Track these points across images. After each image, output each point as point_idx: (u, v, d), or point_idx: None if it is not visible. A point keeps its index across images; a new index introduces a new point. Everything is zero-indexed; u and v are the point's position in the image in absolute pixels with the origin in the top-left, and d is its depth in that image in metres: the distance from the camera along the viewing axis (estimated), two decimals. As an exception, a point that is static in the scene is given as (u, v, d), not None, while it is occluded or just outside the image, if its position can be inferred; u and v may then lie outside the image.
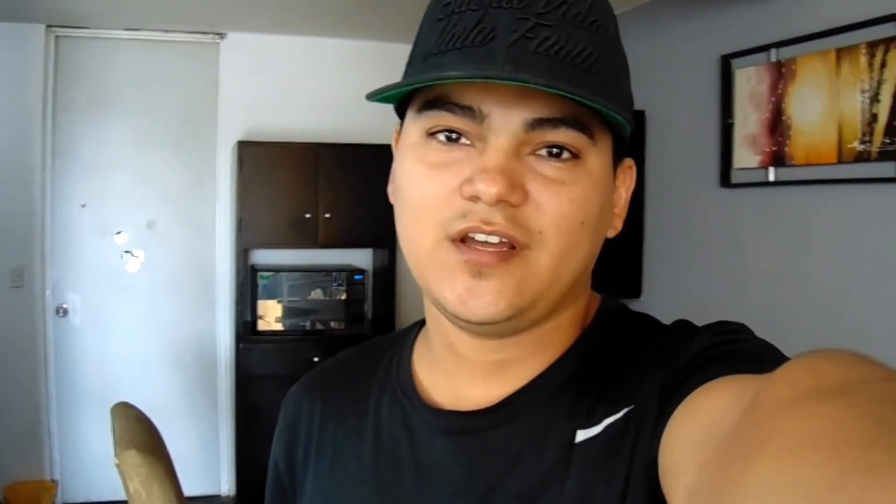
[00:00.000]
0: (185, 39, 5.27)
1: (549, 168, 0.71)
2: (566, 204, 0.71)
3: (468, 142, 0.72)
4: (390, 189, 0.83)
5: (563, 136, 0.70)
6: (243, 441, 5.07)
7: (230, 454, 5.35)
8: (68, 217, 5.13)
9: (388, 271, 5.44)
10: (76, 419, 5.14)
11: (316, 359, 5.02)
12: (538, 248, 0.71)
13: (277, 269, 5.22)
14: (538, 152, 0.71)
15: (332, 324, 5.24)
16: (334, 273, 5.27)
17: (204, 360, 5.41)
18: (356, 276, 5.28)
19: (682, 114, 4.22)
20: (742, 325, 0.75)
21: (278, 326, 5.13)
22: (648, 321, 0.84)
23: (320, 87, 5.49)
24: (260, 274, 5.13)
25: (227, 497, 5.39)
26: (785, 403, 0.46)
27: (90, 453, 5.10)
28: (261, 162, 5.09)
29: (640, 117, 4.40)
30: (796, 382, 0.48)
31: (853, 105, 3.18)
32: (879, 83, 3.06)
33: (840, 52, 3.23)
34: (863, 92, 3.13)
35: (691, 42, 4.14)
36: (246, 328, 5.16)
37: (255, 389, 4.99)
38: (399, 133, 0.82)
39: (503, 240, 0.70)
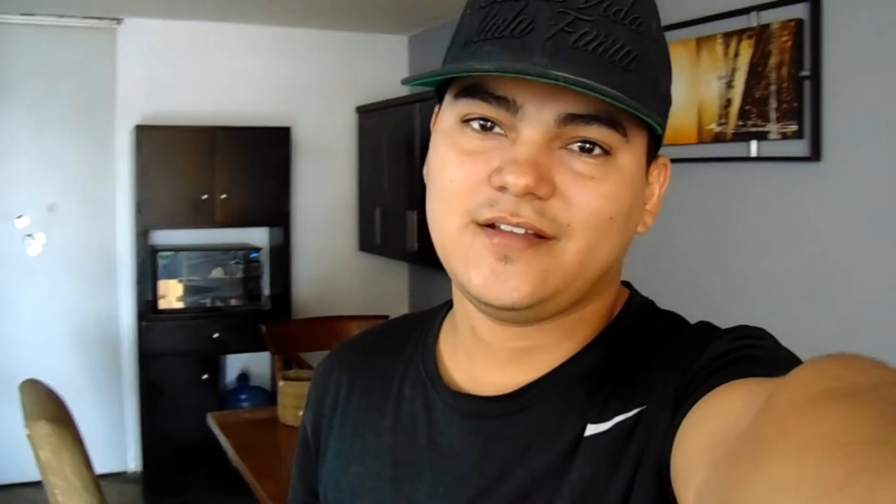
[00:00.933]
0: (82, 24, 5.27)
1: (580, 163, 0.71)
2: (595, 199, 0.71)
3: (501, 131, 0.73)
4: (425, 171, 0.83)
5: (596, 132, 0.71)
6: (148, 418, 5.18)
7: (136, 431, 5.42)
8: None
9: (283, 249, 5.60)
10: (-21, 401, 5.17)
11: (216, 335, 5.20)
12: (565, 241, 0.72)
13: (177, 249, 5.34)
14: (570, 147, 0.72)
15: (232, 301, 5.40)
16: (231, 252, 5.42)
17: (107, 340, 5.47)
18: (252, 255, 5.45)
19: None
20: (762, 331, 0.74)
21: (179, 305, 5.27)
22: (673, 320, 0.84)
23: (216, 71, 5.58)
24: (160, 254, 5.25)
25: (134, 473, 5.47)
26: (796, 404, 0.47)
27: (-6, 437, 5.17)
28: (159, 145, 5.18)
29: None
30: (809, 384, 0.48)
31: (711, 90, 3.41)
32: (733, 71, 3.30)
33: (699, 42, 3.46)
34: (719, 78, 3.36)
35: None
36: (147, 307, 5.26)
37: (158, 366, 5.14)
38: (437, 115, 0.82)
39: (529, 231, 0.71)
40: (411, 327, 0.97)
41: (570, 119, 0.70)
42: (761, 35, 3.19)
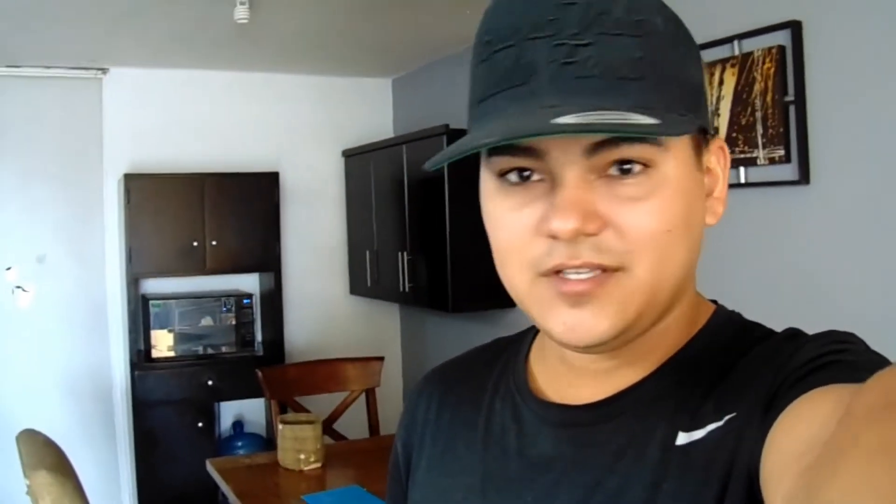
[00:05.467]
0: (67, 75, 5.32)
1: (622, 187, 0.71)
2: (646, 220, 0.70)
3: (540, 177, 0.72)
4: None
5: (627, 151, 0.70)
6: (144, 465, 5.13)
7: (131, 481, 5.39)
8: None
9: (274, 294, 5.59)
10: (-29, 455, 5.13)
11: (210, 382, 5.18)
12: (631, 268, 0.71)
13: (168, 297, 5.34)
14: (609, 173, 0.71)
15: (224, 348, 5.38)
16: (223, 298, 5.41)
17: (100, 390, 5.45)
18: (244, 301, 5.44)
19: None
20: (852, 335, 0.73)
21: (171, 353, 5.25)
22: (761, 329, 0.82)
23: (202, 118, 5.62)
24: (151, 302, 5.24)
25: (129, 523, 5.44)
26: (874, 410, 0.46)
27: (-13, 489, 5.12)
28: (147, 193, 5.20)
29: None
30: (889, 390, 0.47)
31: None
32: (718, 99, 3.34)
33: None
34: None
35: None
36: (140, 356, 5.24)
37: (153, 415, 5.10)
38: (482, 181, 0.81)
39: (593, 270, 0.71)
40: (502, 347, 0.98)
41: (598, 147, 0.69)
42: (744, 63, 3.24)
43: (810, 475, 0.49)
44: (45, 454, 2.78)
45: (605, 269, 0.71)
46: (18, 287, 5.27)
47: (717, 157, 0.81)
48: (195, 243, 5.26)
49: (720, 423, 0.72)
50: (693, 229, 0.76)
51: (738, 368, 0.76)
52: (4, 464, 4.92)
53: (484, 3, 0.75)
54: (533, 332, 0.94)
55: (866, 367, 0.62)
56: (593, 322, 0.72)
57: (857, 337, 0.73)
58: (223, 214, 5.36)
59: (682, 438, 0.74)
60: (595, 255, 0.70)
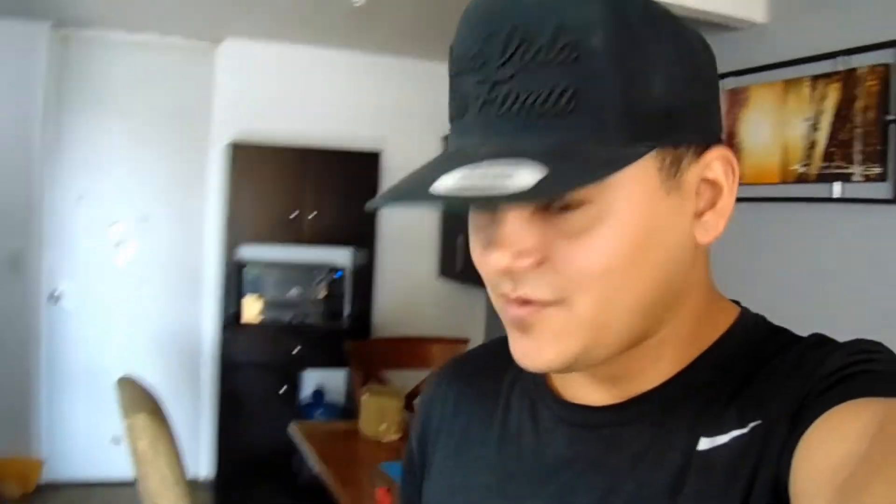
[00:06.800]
0: (182, 44, 5.48)
1: (562, 222, 0.67)
2: (584, 256, 0.67)
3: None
4: None
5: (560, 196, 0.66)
6: (225, 426, 5.30)
7: (210, 439, 5.53)
8: (65, 208, 5.33)
9: (366, 270, 5.68)
10: (64, 401, 5.34)
11: (295, 350, 5.29)
12: (571, 303, 0.68)
13: (262, 264, 5.49)
14: (552, 206, 0.67)
15: (311, 318, 5.51)
16: (314, 269, 5.54)
17: (187, 349, 5.62)
18: (336, 274, 5.55)
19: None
20: (879, 344, 0.70)
21: (260, 319, 5.39)
22: (786, 335, 0.78)
23: (310, 93, 5.72)
24: (245, 268, 5.40)
25: (205, 481, 5.55)
26: None
27: (76, 434, 5.33)
28: (251, 162, 5.33)
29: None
30: None
31: (796, 132, 3.44)
32: (819, 113, 3.32)
33: (787, 84, 3.50)
34: (805, 120, 3.39)
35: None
36: (230, 319, 5.40)
37: (238, 377, 5.25)
38: None
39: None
40: None
41: None
42: (848, 79, 3.22)
43: (844, 492, 0.50)
44: (144, 399, 2.90)
45: (546, 303, 0.68)
46: (120, 243, 5.46)
47: (722, 167, 0.73)
48: (294, 214, 5.38)
49: (744, 431, 0.69)
50: (653, 259, 0.70)
51: (762, 375, 0.73)
52: (96, 409, 5.14)
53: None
54: None
55: (890, 378, 0.63)
56: (538, 350, 0.70)
57: (885, 346, 0.70)
58: (323, 189, 5.46)
59: (704, 444, 0.71)
60: (532, 290, 0.68)
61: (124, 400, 2.87)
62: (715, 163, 0.72)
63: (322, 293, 5.52)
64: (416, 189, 0.65)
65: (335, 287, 5.56)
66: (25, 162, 5.10)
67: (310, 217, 5.40)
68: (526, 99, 0.64)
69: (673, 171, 0.69)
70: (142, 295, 5.53)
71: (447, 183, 0.63)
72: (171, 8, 4.80)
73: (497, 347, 0.95)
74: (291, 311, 5.48)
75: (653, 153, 0.67)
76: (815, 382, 0.66)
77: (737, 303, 0.83)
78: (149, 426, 2.68)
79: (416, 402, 0.89)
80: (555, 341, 0.69)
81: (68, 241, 5.38)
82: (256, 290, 5.43)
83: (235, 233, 5.39)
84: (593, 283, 0.67)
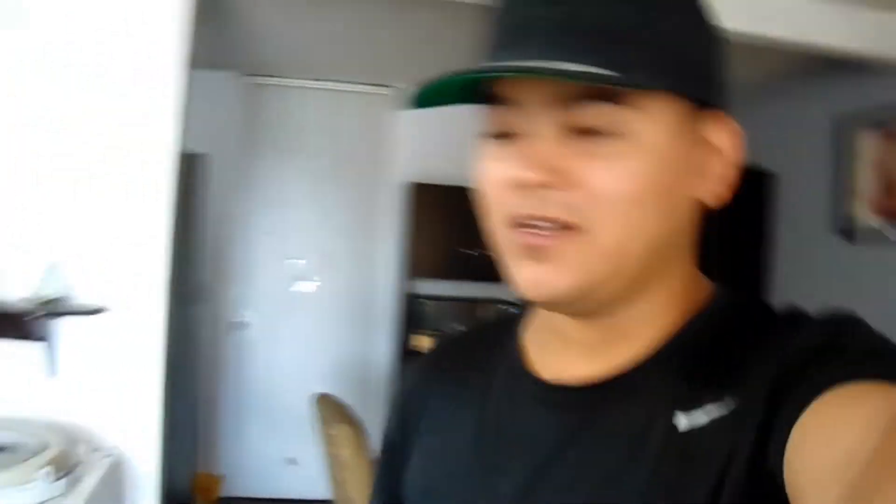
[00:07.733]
0: (360, 90, 5.77)
1: (594, 145, 0.69)
2: (613, 180, 0.68)
3: (521, 135, 0.72)
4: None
5: (594, 111, 0.68)
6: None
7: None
8: (252, 243, 5.68)
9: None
10: (242, 422, 5.65)
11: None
12: (593, 230, 0.69)
13: (435, 299, 5.73)
14: (583, 131, 0.69)
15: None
16: (485, 305, 5.72)
17: (361, 379, 5.83)
18: (508, 309, 5.71)
19: (808, 173, 4.63)
20: (855, 317, 0.69)
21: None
22: (764, 310, 0.78)
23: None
24: (418, 302, 5.64)
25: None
26: None
27: (253, 453, 5.62)
28: (427, 201, 5.58)
29: (769, 176, 4.86)
30: None
31: None
32: None
33: None
34: None
35: (813, 106, 4.56)
36: (403, 351, 5.63)
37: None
38: None
39: (557, 225, 0.70)
40: (503, 327, 0.95)
41: (571, 104, 0.69)
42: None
43: (855, 491, 0.51)
44: (345, 413, 3.13)
45: (568, 227, 0.69)
46: (302, 277, 5.76)
47: (717, 133, 0.75)
48: (468, 251, 5.49)
49: (721, 408, 0.69)
50: (671, 200, 0.73)
51: (740, 351, 0.72)
52: (272, 431, 5.46)
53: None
54: (528, 310, 0.92)
55: (880, 351, 0.64)
56: (552, 278, 0.71)
57: (860, 318, 0.69)
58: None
59: (680, 423, 0.71)
60: (561, 211, 0.69)
61: (326, 412, 3.10)
62: (726, 133, 0.76)
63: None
64: (472, 71, 0.67)
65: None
66: (221, 200, 5.48)
67: (478, 253, 5.57)
68: (595, 23, 0.68)
69: (694, 123, 0.73)
70: (319, 325, 5.79)
71: (521, 64, 0.67)
72: (349, 58, 5.12)
73: (475, 335, 1.01)
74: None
75: (686, 102, 0.72)
76: (793, 361, 0.65)
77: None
78: (352, 436, 2.91)
79: (393, 391, 0.92)
80: (573, 269, 0.70)
81: (253, 273, 5.70)
82: (428, 325, 5.64)
83: (410, 268, 5.62)
84: (619, 208, 0.69)
